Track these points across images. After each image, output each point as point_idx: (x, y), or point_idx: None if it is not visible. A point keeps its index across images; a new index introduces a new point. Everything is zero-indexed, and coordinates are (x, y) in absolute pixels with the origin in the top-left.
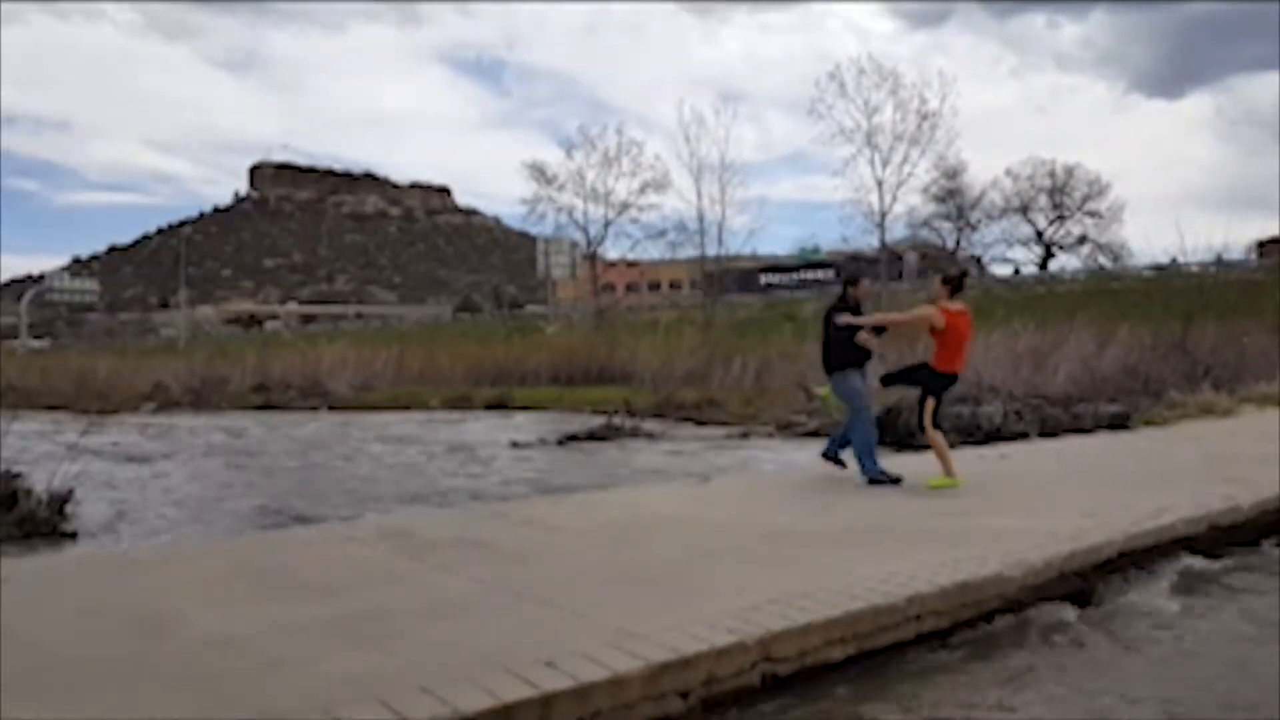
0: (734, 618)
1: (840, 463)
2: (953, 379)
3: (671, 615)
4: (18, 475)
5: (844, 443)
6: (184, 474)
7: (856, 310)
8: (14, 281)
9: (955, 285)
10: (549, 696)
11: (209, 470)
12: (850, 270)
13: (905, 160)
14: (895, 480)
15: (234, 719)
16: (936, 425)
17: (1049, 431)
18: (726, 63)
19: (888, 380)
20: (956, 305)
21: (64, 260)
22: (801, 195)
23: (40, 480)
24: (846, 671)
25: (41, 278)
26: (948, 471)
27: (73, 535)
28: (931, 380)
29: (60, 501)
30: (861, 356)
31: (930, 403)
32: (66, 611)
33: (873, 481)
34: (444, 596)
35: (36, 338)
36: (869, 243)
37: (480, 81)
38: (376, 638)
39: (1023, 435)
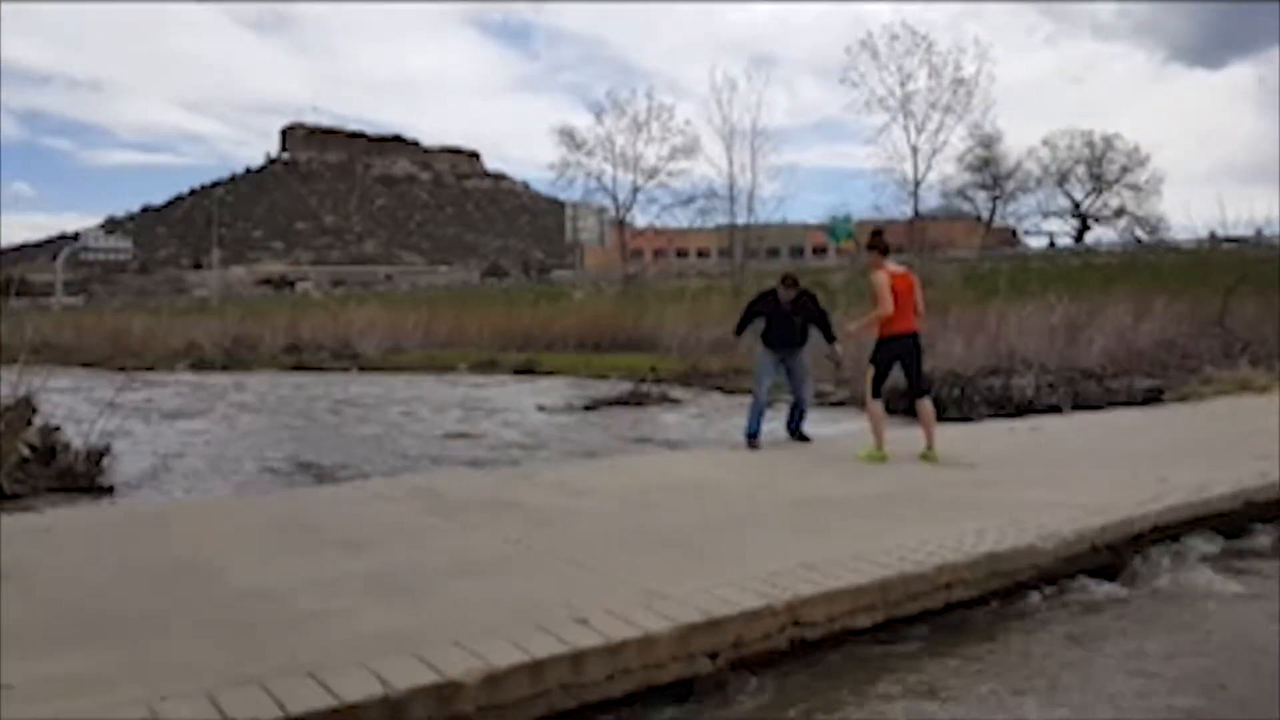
0: (763, 582)
1: (805, 438)
2: (898, 340)
3: (701, 578)
4: (56, 429)
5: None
6: (218, 431)
7: (790, 305)
8: (49, 240)
9: (882, 247)
10: (580, 653)
11: (242, 428)
12: (788, 273)
13: (940, 128)
14: (754, 445)
15: (268, 669)
16: (876, 395)
17: (1082, 405)
18: (757, 25)
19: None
20: (895, 268)
21: (98, 219)
22: (833, 162)
23: (77, 435)
24: (875, 638)
25: (76, 236)
26: (878, 444)
27: (109, 489)
28: (876, 351)
29: (97, 456)
30: (781, 341)
31: (870, 371)
32: (104, 563)
33: (750, 446)
34: (474, 554)
35: (71, 295)
36: (902, 211)
37: (508, 44)
38: (408, 593)
39: (1055, 408)
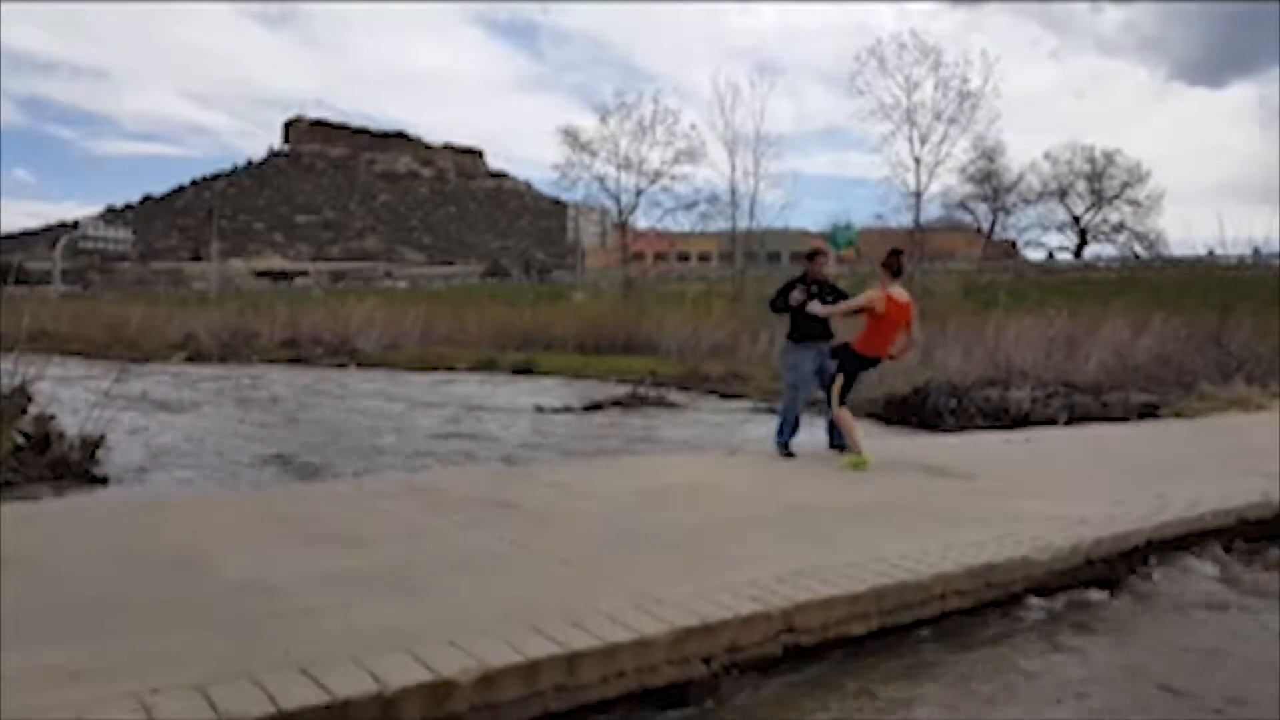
0: (758, 587)
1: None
2: (874, 362)
3: (697, 581)
4: (51, 418)
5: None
6: (214, 424)
7: (817, 285)
8: (48, 228)
9: (895, 268)
10: (575, 655)
11: (239, 421)
12: (810, 247)
13: (944, 139)
14: (788, 453)
15: (261, 663)
16: (843, 403)
17: (1078, 418)
18: (762, 32)
19: (832, 354)
20: (899, 292)
21: (98, 208)
22: (835, 170)
23: (72, 424)
24: (868, 646)
25: (76, 225)
26: (855, 449)
27: (103, 480)
28: (849, 360)
29: (92, 446)
30: (811, 335)
31: (840, 380)
32: (98, 554)
33: (784, 454)
34: (471, 553)
35: (69, 284)
36: (902, 221)
37: (513, 43)
38: (405, 590)
39: (1051, 421)
